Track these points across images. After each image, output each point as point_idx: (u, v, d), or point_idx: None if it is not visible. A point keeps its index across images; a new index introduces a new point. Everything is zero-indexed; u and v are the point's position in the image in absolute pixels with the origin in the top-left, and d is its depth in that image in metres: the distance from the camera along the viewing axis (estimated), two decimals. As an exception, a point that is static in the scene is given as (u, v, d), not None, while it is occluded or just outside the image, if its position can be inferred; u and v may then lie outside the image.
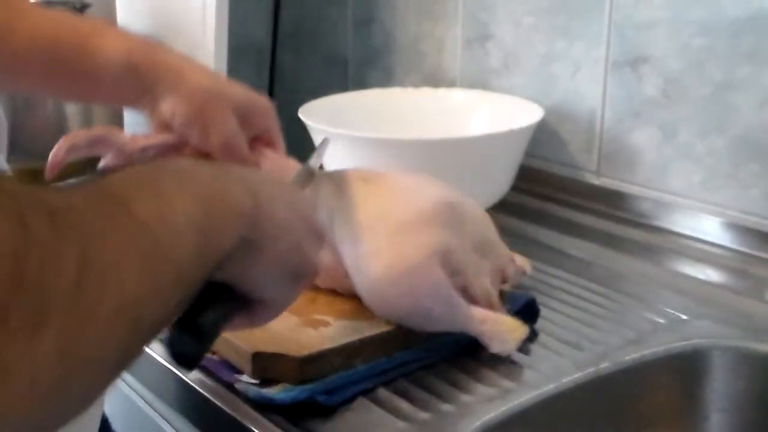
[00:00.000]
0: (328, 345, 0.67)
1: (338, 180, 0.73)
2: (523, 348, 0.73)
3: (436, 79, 1.26)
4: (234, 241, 0.45)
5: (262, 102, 0.73)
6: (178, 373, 0.69)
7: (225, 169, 0.50)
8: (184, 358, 0.49)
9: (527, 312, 0.75)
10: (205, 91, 0.68)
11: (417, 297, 0.67)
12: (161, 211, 0.40)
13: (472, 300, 0.70)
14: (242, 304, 0.52)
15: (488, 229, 0.74)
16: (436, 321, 0.68)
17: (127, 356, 0.38)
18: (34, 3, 0.34)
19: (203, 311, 0.49)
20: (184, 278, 0.42)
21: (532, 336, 0.74)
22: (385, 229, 0.68)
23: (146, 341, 0.40)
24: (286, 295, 0.54)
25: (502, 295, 0.75)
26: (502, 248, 0.75)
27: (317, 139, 1.04)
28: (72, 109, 1.23)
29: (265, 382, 0.65)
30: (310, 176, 0.70)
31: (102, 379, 0.37)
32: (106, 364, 0.36)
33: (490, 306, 0.71)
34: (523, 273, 0.78)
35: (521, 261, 0.79)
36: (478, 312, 0.69)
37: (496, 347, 0.69)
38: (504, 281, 0.74)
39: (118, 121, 1.31)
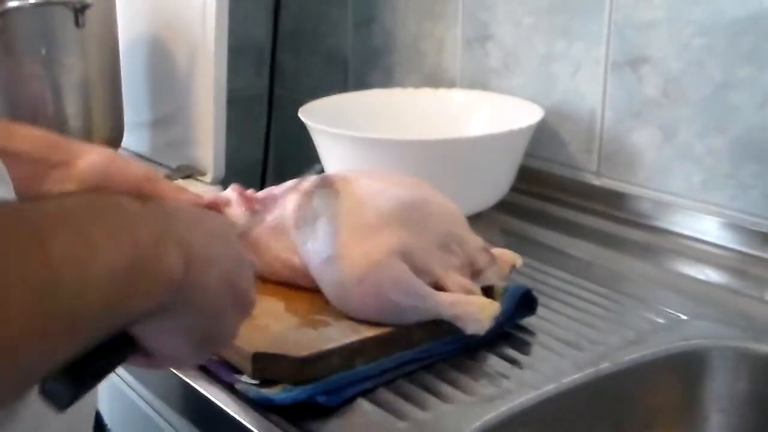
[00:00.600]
0: (328, 345, 0.67)
1: (323, 188, 0.75)
2: (523, 348, 0.73)
3: (436, 80, 1.26)
4: (152, 306, 0.42)
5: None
6: (179, 374, 0.69)
7: (170, 219, 0.46)
8: (55, 399, 0.45)
9: (525, 303, 0.75)
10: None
11: (381, 293, 0.68)
12: (78, 257, 0.37)
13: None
14: (141, 352, 0.49)
15: (454, 224, 0.75)
16: (405, 313, 0.69)
17: None
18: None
19: (94, 358, 0.44)
20: (81, 331, 0.38)
21: (532, 336, 0.75)
22: (345, 234, 0.70)
23: (20, 386, 0.37)
24: (192, 357, 0.52)
25: (494, 290, 0.75)
26: (472, 242, 0.76)
27: (317, 139, 1.04)
28: (72, 110, 1.23)
29: (265, 382, 0.65)
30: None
31: None
32: None
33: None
34: (513, 267, 0.78)
35: (510, 255, 0.79)
36: (448, 297, 0.70)
37: (471, 328, 0.69)
38: (477, 273, 0.75)
39: (119, 122, 1.31)
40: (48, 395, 0.45)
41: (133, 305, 0.41)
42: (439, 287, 0.71)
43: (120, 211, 0.42)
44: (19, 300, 0.34)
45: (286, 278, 0.76)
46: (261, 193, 0.78)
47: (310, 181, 0.77)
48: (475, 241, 0.76)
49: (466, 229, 0.77)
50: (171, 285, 0.43)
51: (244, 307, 0.54)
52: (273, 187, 0.79)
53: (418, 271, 0.70)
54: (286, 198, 0.77)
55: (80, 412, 0.56)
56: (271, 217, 0.77)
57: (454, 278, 0.72)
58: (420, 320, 0.70)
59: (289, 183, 0.77)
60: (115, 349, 0.46)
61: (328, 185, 0.75)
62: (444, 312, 0.69)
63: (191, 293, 0.46)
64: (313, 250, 0.72)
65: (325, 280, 0.72)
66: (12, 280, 0.34)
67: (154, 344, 0.47)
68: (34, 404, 0.48)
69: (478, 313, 0.69)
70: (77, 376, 0.45)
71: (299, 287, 0.75)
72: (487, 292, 0.75)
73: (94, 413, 0.61)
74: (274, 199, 0.77)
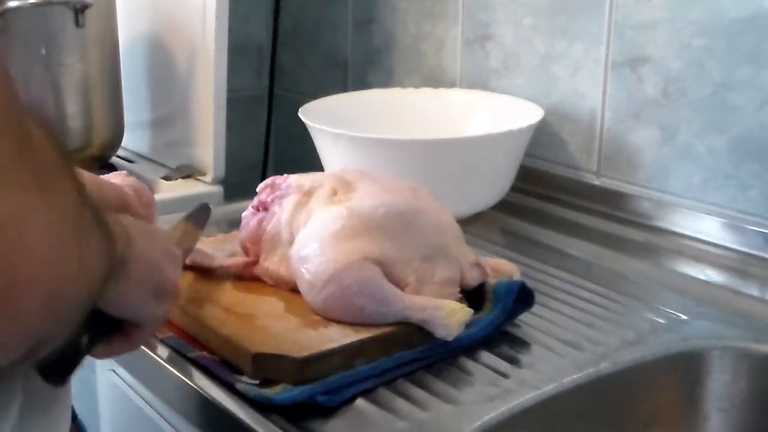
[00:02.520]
0: (327, 346, 0.67)
1: (312, 190, 0.77)
2: (523, 348, 0.73)
3: (436, 79, 1.26)
4: (108, 266, 0.46)
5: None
6: (178, 374, 0.69)
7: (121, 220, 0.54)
8: (50, 367, 0.51)
9: (522, 298, 0.75)
10: None
11: (345, 296, 0.69)
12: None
13: None
14: (116, 328, 0.56)
15: (445, 237, 0.76)
16: (373, 316, 0.70)
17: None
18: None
19: (80, 333, 0.51)
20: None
21: (532, 336, 0.75)
22: (326, 237, 0.71)
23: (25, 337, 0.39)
24: (153, 312, 0.57)
25: (486, 287, 0.75)
26: (464, 255, 0.76)
27: (317, 139, 1.04)
28: (72, 109, 1.23)
29: (265, 382, 0.65)
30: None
31: None
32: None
33: None
34: (510, 279, 0.78)
35: (508, 267, 0.80)
36: (418, 301, 0.70)
37: (440, 332, 0.70)
38: (464, 287, 0.75)
39: (119, 122, 1.31)
40: (45, 369, 0.50)
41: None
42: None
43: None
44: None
45: (279, 286, 0.77)
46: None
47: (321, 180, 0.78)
48: (466, 255, 0.76)
49: (458, 242, 0.77)
50: (119, 249, 0.49)
51: (174, 258, 0.61)
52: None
53: (393, 280, 0.71)
54: (283, 204, 0.78)
55: (58, 406, 0.57)
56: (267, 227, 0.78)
57: (429, 290, 0.72)
58: (388, 322, 0.70)
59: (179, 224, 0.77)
60: (91, 324, 0.52)
61: (327, 186, 0.76)
62: (412, 316, 0.69)
63: (134, 257, 0.52)
64: (294, 248, 0.74)
65: (299, 278, 0.73)
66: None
67: (119, 307, 0.53)
68: (17, 400, 0.51)
69: (445, 318, 0.69)
70: (71, 348, 0.51)
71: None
72: (480, 292, 0.75)
73: (70, 408, 0.61)
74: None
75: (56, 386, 0.52)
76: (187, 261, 0.76)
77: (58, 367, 0.51)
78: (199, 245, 0.79)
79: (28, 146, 0.36)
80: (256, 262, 0.78)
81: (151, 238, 0.57)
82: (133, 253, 0.52)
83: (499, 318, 0.74)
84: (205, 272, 0.78)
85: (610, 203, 1.05)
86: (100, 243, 0.43)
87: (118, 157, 1.37)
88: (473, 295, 0.75)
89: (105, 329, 0.55)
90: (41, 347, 0.39)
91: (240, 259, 0.79)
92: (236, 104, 1.39)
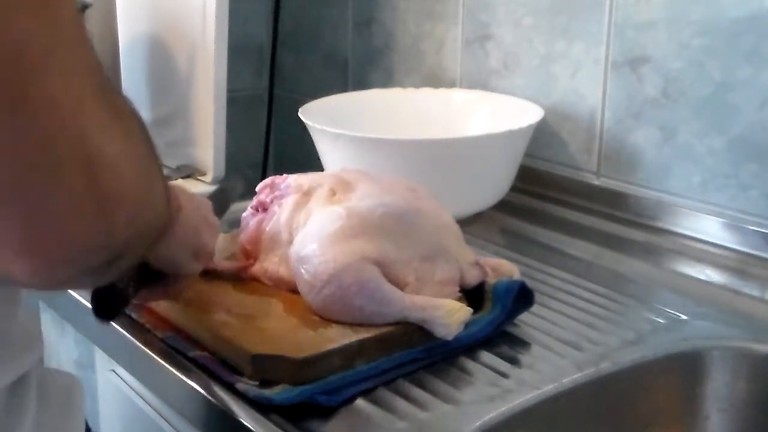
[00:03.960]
0: (327, 346, 0.67)
1: (311, 190, 0.78)
2: (523, 348, 0.73)
3: (436, 79, 1.26)
4: (162, 225, 0.54)
5: None
6: (178, 374, 0.69)
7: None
8: (103, 305, 0.62)
9: (522, 298, 0.75)
10: None
11: (345, 297, 0.69)
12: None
13: None
14: (155, 276, 0.67)
15: (445, 237, 0.76)
16: (372, 316, 0.70)
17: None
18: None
19: (130, 280, 0.63)
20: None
21: (532, 336, 0.75)
22: (326, 237, 0.71)
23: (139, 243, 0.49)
24: (191, 269, 0.69)
25: (486, 287, 0.75)
26: (464, 256, 0.76)
27: (317, 139, 1.04)
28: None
29: (265, 382, 0.65)
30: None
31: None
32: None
33: None
34: (510, 278, 0.78)
35: (508, 267, 0.80)
36: (417, 300, 0.70)
37: (439, 332, 0.70)
38: (464, 287, 0.75)
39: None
40: (98, 306, 0.62)
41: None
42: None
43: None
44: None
45: (278, 286, 0.77)
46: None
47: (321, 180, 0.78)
48: (466, 255, 0.76)
49: (458, 241, 0.77)
50: (173, 209, 0.60)
51: (212, 225, 0.72)
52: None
53: (392, 280, 0.71)
54: (282, 204, 0.78)
55: (70, 424, 0.58)
56: (268, 227, 0.78)
57: (429, 290, 0.72)
58: (388, 322, 0.70)
59: None
60: (141, 278, 0.65)
61: (334, 188, 0.76)
62: (412, 316, 0.69)
63: (180, 222, 0.64)
64: (293, 248, 0.74)
65: (298, 278, 0.73)
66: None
67: (164, 261, 0.65)
68: (32, 405, 0.53)
69: (445, 317, 0.70)
70: (118, 291, 0.62)
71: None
72: (479, 293, 0.75)
73: (83, 428, 0.62)
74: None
75: (104, 321, 0.63)
76: None
77: (109, 307, 0.63)
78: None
79: (115, 102, 0.46)
80: (250, 266, 0.78)
81: (194, 206, 0.68)
82: (180, 218, 0.63)
83: (498, 318, 0.74)
84: (206, 273, 0.78)
85: (610, 203, 1.05)
86: (165, 187, 0.53)
87: (118, 157, 1.37)
88: (473, 295, 0.75)
89: (149, 278, 0.66)
90: (121, 260, 0.48)
91: (235, 264, 0.79)
92: (236, 104, 1.39)
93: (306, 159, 1.13)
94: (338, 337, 0.68)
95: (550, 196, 1.11)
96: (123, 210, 0.45)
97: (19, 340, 0.55)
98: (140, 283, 0.66)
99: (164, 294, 0.71)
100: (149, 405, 0.82)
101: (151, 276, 0.67)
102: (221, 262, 0.79)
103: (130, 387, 0.86)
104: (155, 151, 0.51)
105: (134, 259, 0.52)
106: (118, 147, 0.44)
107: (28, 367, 0.56)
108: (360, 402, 0.65)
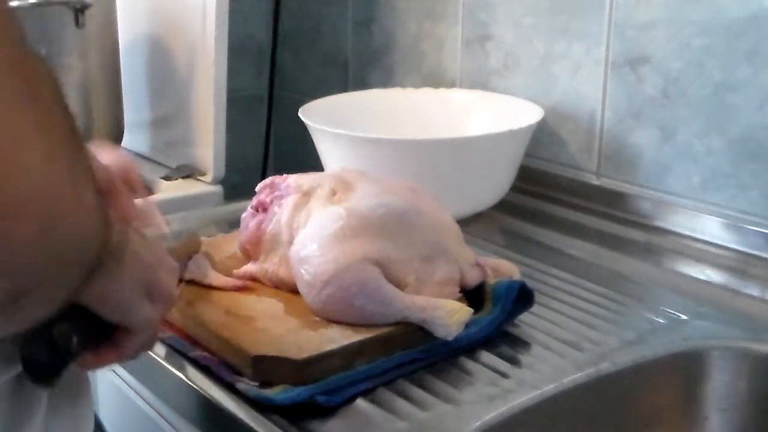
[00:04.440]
0: (327, 347, 0.67)
1: (311, 190, 0.77)
2: (523, 348, 0.73)
3: (436, 79, 1.26)
4: (93, 256, 0.44)
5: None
6: (179, 374, 0.69)
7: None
8: (37, 366, 0.49)
9: (522, 298, 0.75)
10: None
11: (346, 297, 0.69)
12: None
13: None
14: (104, 331, 0.52)
15: (444, 237, 0.76)
16: (372, 317, 0.70)
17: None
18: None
19: (70, 333, 0.50)
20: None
21: (532, 336, 0.75)
22: (326, 237, 0.71)
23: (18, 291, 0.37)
24: (146, 315, 0.53)
25: (486, 287, 0.75)
26: (464, 256, 0.76)
27: (317, 139, 1.04)
28: (72, 109, 1.23)
29: (266, 382, 0.65)
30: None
31: None
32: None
33: None
34: (510, 279, 0.78)
35: (508, 267, 0.80)
36: (418, 301, 0.70)
37: (440, 332, 0.70)
38: (464, 287, 0.75)
39: (119, 122, 1.31)
40: (30, 361, 0.49)
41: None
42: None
43: None
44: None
45: (278, 287, 0.77)
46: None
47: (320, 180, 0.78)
48: (466, 255, 0.76)
49: (458, 242, 0.77)
50: (114, 235, 0.46)
51: (170, 265, 0.57)
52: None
53: (393, 281, 0.71)
54: (282, 205, 0.78)
55: (80, 412, 0.57)
56: (269, 227, 0.78)
57: (429, 290, 0.72)
58: (389, 322, 0.70)
59: None
60: (74, 318, 0.50)
61: (333, 188, 0.76)
62: (412, 316, 0.69)
63: (129, 252, 0.49)
64: (293, 249, 0.74)
65: (298, 279, 0.73)
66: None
67: (110, 304, 0.50)
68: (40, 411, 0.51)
69: (446, 317, 0.69)
70: (49, 340, 0.49)
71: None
72: (479, 293, 0.75)
73: (92, 417, 0.61)
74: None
75: (44, 387, 0.51)
76: (186, 275, 0.76)
77: (47, 368, 0.50)
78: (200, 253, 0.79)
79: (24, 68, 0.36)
80: (248, 288, 0.77)
81: (146, 243, 0.54)
82: (128, 248, 0.49)
83: (498, 318, 0.74)
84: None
85: (610, 203, 1.05)
86: (97, 199, 0.41)
87: (118, 157, 1.37)
88: (473, 295, 0.75)
89: (95, 334, 0.52)
90: (32, 295, 0.37)
91: (231, 281, 0.77)
92: (236, 104, 1.39)
93: (306, 159, 1.13)
94: (338, 338, 0.68)
95: (550, 196, 1.11)
96: (29, 218, 0.34)
97: None
98: (85, 338, 0.51)
99: (117, 354, 0.54)
100: (149, 405, 0.82)
101: (99, 328, 0.52)
102: (218, 278, 0.78)
103: (130, 387, 0.86)
104: (86, 152, 0.40)
105: (55, 298, 0.41)
106: (26, 136, 0.34)
107: None
108: (360, 402, 0.65)
